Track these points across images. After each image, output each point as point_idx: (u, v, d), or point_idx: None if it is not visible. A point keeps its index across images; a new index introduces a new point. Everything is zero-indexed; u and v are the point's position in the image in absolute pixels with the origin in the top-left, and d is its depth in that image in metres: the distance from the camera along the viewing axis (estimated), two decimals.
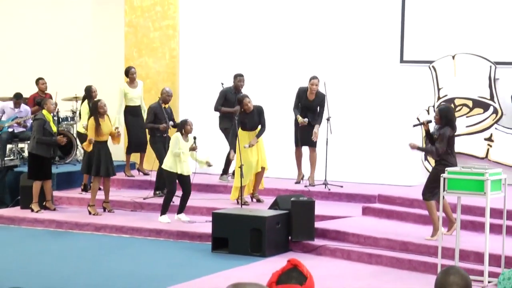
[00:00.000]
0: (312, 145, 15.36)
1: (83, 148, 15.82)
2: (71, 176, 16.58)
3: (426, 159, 15.46)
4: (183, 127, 13.88)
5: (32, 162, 15.07)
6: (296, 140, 15.46)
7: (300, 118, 15.16)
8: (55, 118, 16.73)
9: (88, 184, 16.01)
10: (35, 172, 14.96)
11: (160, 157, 15.13)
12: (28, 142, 17.16)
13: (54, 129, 15.17)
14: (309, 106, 15.29)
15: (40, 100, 16.37)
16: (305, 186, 15.20)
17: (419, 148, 12.19)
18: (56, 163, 16.34)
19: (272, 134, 15.53)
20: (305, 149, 15.54)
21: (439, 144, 11.49)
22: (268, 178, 15.35)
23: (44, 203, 15.14)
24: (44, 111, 15.07)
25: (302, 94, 15.30)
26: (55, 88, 17.51)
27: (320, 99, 15.27)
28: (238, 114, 14.78)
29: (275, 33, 16.90)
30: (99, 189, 15.04)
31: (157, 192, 15.43)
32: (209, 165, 14.27)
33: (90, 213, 14.76)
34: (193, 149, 13.77)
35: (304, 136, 15.30)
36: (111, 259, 12.39)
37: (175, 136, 13.89)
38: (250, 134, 14.74)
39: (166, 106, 15.47)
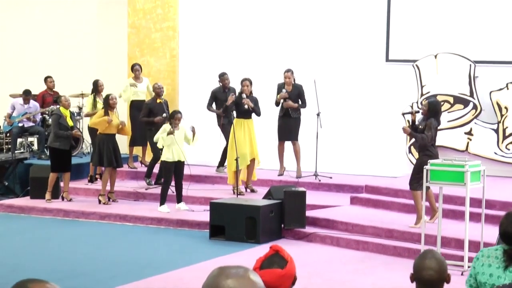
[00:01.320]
0: (293, 138, 15.32)
1: (91, 139, 15.86)
2: (78, 168, 16.55)
3: (410, 151, 15.48)
4: (171, 118, 13.92)
5: (52, 155, 15.04)
6: (278, 135, 15.44)
7: (280, 95, 15.12)
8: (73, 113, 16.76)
9: (94, 176, 16.01)
10: (55, 164, 14.92)
11: (154, 150, 15.20)
12: (37, 136, 17.21)
13: (71, 123, 15.11)
14: (289, 98, 15.22)
15: (56, 98, 16.43)
16: (297, 178, 15.21)
17: (410, 134, 12.01)
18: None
19: (265, 128, 15.55)
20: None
21: (428, 132, 11.48)
22: (262, 170, 15.34)
23: (62, 194, 15.12)
24: (61, 108, 15.07)
25: (280, 87, 15.28)
26: (62, 85, 17.53)
27: (298, 89, 15.22)
28: (236, 96, 14.79)
29: (268, 34, 16.92)
30: None
31: (148, 181, 15.48)
32: (193, 131, 14.13)
33: (100, 202, 14.75)
34: (171, 132, 13.67)
35: (283, 131, 15.28)
36: (115, 246, 12.39)
37: (163, 126, 13.93)
38: (245, 122, 14.70)
39: (161, 100, 15.45)
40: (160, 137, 13.78)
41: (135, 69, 16.77)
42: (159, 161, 14.72)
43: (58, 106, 15.45)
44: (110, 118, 14.53)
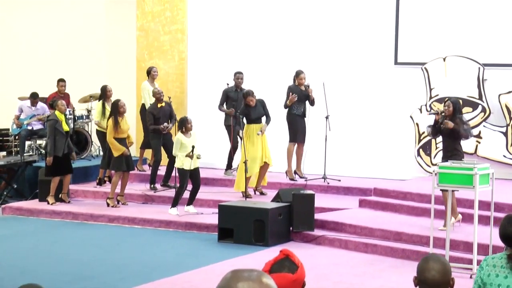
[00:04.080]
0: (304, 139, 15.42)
1: (100, 143, 15.89)
2: (87, 171, 16.61)
3: (418, 154, 15.47)
4: (183, 126, 13.83)
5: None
6: (299, 136, 15.44)
7: (290, 99, 15.17)
8: (70, 116, 16.76)
9: (102, 178, 16.03)
10: (52, 169, 14.96)
11: (156, 152, 15.24)
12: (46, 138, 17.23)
13: (66, 128, 15.10)
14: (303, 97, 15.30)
15: (52, 102, 16.40)
16: (300, 178, 15.26)
17: (454, 127, 11.89)
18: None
19: (275, 131, 15.54)
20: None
21: (464, 125, 11.57)
22: (271, 172, 15.34)
23: (60, 196, 15.17)
24: (57, 112, 15.08)
25: (292, 90, 15.28)
26: (71, 88, 17.56)
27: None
28: (240, 109, 14.82)
29: (277, 37, 16.93)
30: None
31: (151, 186, 15.48)
32: (198, 157, 14.06)
33: (108, 205, 14.77)
34: (190, 156, 13.68)
35: (302, 132, 15.35)
36: (123, 249, 12.40)
37: (176, 138, 13.85)
38: (255, 126, 14.71)
39: (163, 104, 15.42)
40: (179, 155, 13.70)
41: (154, 70, 16.72)
42: (163, 164, 14.74)
43: (54, 111, 15.39)
44: (127, 152, 14.54)
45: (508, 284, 5.29)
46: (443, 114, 11.89)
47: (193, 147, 13.64)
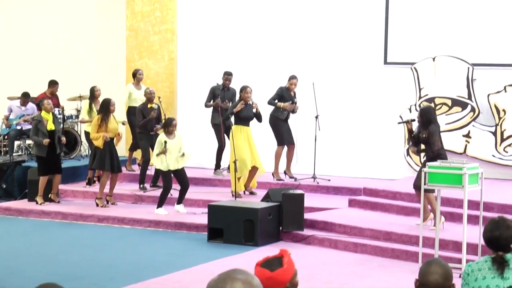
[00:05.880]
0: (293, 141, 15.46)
1: (89, 143, 15.87)
2: (76, 171, 16.58)
3: (408, 154, 15.49)
4: (167, 127, 13.86)
5: (37, 160, 15.10)
6: (286, 139, 15.46)
7: (284, 105, 15.18)
8: (60, 116, 16.73)
9: (92, 178, 16.00)
10: (40, 168, 14.95)
11: (144, 153, 15.28)
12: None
13: (52, 127, 15.01)
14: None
15: (39, 102, 16.37)
16: (290, 178, 15.28)
17: (418, 151, 12.03)
18: (61, 159, 16.31)
19: (265, 132, 15.54)
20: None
21: (433, 139, 11.51)
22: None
23: (49, 195, 15.14)
24: (43, 112, 15.04)
25: (283, 91, 15.31)
26: (60, 88, 17.53)
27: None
28: (233, 104, 14.82)
29: (267, 36, 16.94)
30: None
31: (141, 186, 15.47)
32: (183, 155, 14.02)
33: (97, 205, 14.75)
34: (163, 152, 13.68)
35: (289, 135, 15.39)
36: (112, 249, 12.38)
37: (159, 138, 13.86)
38: (244, 128, 14.71)
39: (153, 105, 15.41)
40: (155, 154, 13.76)
41: (139, 73, 16.68)
42: (152, 164, 14.73)
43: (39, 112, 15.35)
44: (107, 135, 14.47)
45: (497, 283, 5.33)
46: (413, 121, 11.94)
47: (165, 142, 13.63)
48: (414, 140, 11.89)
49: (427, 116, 11.70)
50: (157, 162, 13.81)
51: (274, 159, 15.41)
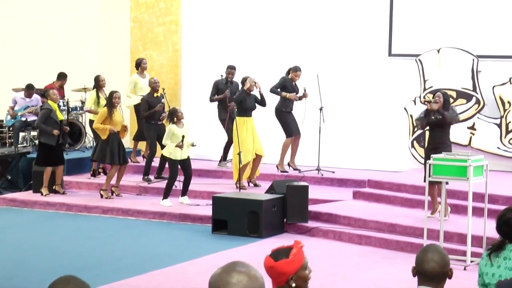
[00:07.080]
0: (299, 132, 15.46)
1: (94, 134, 15.85)
2: (81, 162, 16.59)
3: (412, 146, 15.47)
4: (175, 116, 13.81)
5: (40, 149, 15.07)
6: (294, 130, 15.44)
7: (290, 95, 15.19)
8: (64, 107, 16.73)
9: (96, 170, 15.99)
10: (43, 158, 14.93)
11: (151, 144, 15.26)
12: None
13: (61, 117, 15.09)
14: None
15: (44, 92, 16.37)
16: (294, 170, 15.26)
17: (438, 110, 11.90)
18: (66, 150, 16.32)
19: (269, 123, 15.53)
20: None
21: (452, 111, 11.74)
22: (265, 164, 15.32)
23: (54, 187, 15.14)
24: (50, 101, 15.04)
25: (286, 81, 15.31)
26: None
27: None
28: (237, 94, 14.80)
29: (271, 28, 16.90)
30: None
31: (145, 177, 15.46)
32: (193, 145, 14.05)
33: (102, 196, 14.74)
34: (179, 146, 13.65)
35: (295, 125, 15.37)
36: (117, 240, 12.38)
37: (168, 128, 13.83)
38: (247, 120, 14.68)
39: (158, 94, 15.45)
40: (169, 144, 13.68)
41: (143, 63, 16.70)
42: (158, 156, 14.70)
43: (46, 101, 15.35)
44: (113, 128, 14.46)
45: (501, 273, 5.38)
46: (436, 104, 11.93)
47: (183, 137, 13.62)
48: (427, 121, 11.84)
49: (447, 99, 11.86)
50: (167, 151, 13.75)
51: (281, 150, 15.38)
